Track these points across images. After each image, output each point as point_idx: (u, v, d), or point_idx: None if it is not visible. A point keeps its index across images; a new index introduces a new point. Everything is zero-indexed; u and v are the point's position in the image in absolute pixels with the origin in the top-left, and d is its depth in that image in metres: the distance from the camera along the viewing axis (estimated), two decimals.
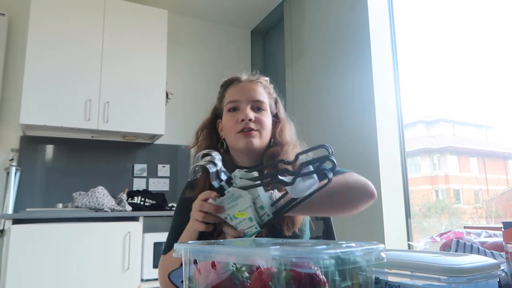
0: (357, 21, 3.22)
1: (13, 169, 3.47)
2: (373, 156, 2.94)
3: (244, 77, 1.47)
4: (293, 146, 1.42)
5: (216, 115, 1.49)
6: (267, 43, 5.11)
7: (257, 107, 1.40)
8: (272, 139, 1.44)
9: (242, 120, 1.35)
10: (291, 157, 1.32)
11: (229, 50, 4.88)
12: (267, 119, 1.40)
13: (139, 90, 3.75)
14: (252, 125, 1.35)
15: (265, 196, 0.95)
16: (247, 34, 5.08)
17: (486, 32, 2.69)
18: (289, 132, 1.48)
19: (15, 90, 3.59)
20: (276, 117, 1.48)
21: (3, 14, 3.68)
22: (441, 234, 1.16)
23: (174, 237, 1.33)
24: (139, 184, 4.08)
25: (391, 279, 0.70)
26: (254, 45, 5.07)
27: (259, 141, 1.37)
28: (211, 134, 1.47)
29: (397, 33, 3.18)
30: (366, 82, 3.06)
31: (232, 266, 0.60)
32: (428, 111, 3.21)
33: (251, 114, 1.36)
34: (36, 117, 3.35)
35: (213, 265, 0.61)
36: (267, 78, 1.54)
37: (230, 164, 1.40)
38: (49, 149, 3.82)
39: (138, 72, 3.79)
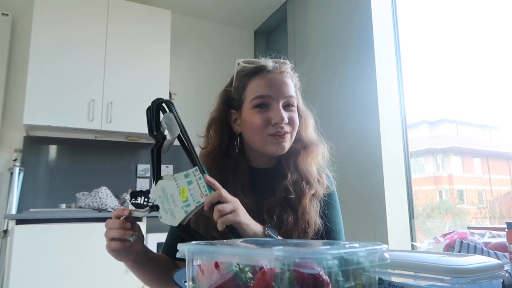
0: (361, 21, 3.22)
1: (17, 170, 3.48)
2: (376, 156, 2.94)
3: (270, 65, 1.27)
4: (315, 145, 1.31)
5: (230, 105, 1.31)
6: (271, 43, 5.11)
7: (288, 103, 1.24)
8: (296, 134, 1.29)
9: (276, 123, 1.19)
10: (312, 157, 1.28)
11: (233, 50, 4.88)
12: (297, 118, 1.27)
13: (142, 91, 3.76)
14: (286, 128, 1.21)
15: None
16: (251, 34, 5.08)
17: (490, 32, 2.69)
18: (311, 127, 1.36)
19: (18, 90, 3.60)
20: (299, 109, 1.32)
21: (7, 15, 3.69)
22: (445, 235, 1.16)
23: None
24: (142, 185, 4.08)
25: (394, 279, 0.70)
26: (257, 45, 5.07)
27: (290, 144, 1.25)
28: (222, 129, 1.30)
29: (401, 33, 3.18)
30: (370, 82, 3.06)
31: (235, 266, 0.60)
32: (432, 111, 3.20)
33: (286, 116, 1.20)
34: (39, 117, 3.36)
35: (216, 265, 0.61)
36: (291, 65, 1.35)
37: (243, 164, 1.28)
38: (53, 149, 3.83)
39: (142, 73, 3.80)
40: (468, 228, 1.25)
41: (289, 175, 1.24)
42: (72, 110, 3.47)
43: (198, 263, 0.63)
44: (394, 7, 3.21)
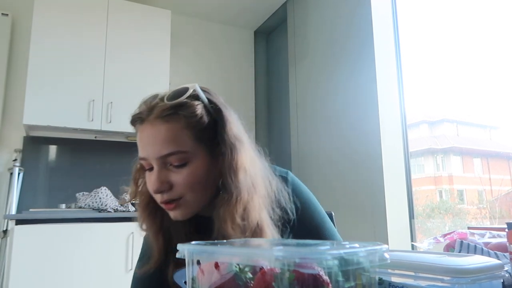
0: (361, 21, 3.22)
1: (16, 170, 3.48)
2: (376, 156, 2.94)
3: (146, 111, 1.04)
4: (242, 197, 0.97)
5: None
6: (271, 43, 5.11)
7: (172, 162, 0.98)
8: (221, 180, 1.00)
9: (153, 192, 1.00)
10: (239, 207, 0.96)
11: (233, 50, 4.88)
12: (192, 174, 0.98)
13: (142, 91, 3.71)
14: (171, 195, 0.98)
15: None
16: (251, 34, 5.08)
17: (491, 32, 2.69)
18: (237, 166, 0.99)
19: (18, 90, 3.60)
20: (217, 147, 1.00)
21: (6, 15, 3.69)
22: (445, 235, 1.16)
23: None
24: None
25: (394, 279, 0.70)
26: (257, 45, 5.08)
27: (190, 208, 1.01)
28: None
29: (401, 33, 3.18)
30: (370, 82, 3.06)
31: (236, 266, 0.60)
32: (432, 111, 3.20)
33: (160, 185, 0.97)
34: (39, 117, 3.35)
35: (216, 265, 0.61)
36: (191, 89, 1.07)
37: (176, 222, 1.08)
38: (52, 149, 3.83)
39: (142, 73, 3.80)
40: (468, 228, 1.25)
41: (215, 232, 0.99)
42: (72, 110, 3.47)
43: (198, 263, 0.63)
44: (394, 7, 3.21)
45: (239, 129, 1.06)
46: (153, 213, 1.06)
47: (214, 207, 0.99)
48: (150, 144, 1.00)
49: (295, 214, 1.08)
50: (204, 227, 1.03)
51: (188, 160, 0.98)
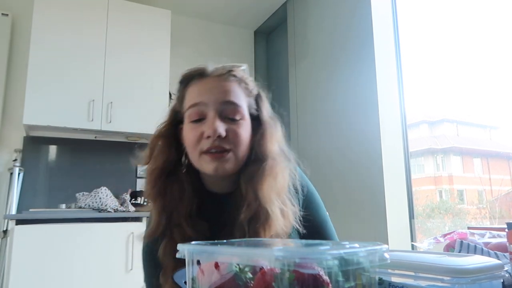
0: (361, 21, 3.22)
1: (17, 170, 3.48)
2: (376, 156, 2.94)
3: (210, 68, 1.11)
4: (275, 161, 1.05)
5: (177, 120, 1.11)
6: (271, 43, 5.11)
7: (230, 113, 1.02)
8: (253, 151, 1.06)
9: (209, 137, 0.99)
10: (272, 177, 1.02)
11: (233, 50, 4.88)
12: (244, 131, 1.04)
13: (142, 91, 3.76)
14: (224, 144, 1.00)
15: None
16: (251, 34, 5.08)
17: (491, 32, 2.69)
18: (277, 141, 1.09)
19: (18, 90, 3.60)
20: (257, 120, 1.09)
21: (6, 15, 3.69)
22: (445, 235, 1.16)
23: None
24: (142, 185, 4.08)
25: (394, 279, 0.70)
26: (257, 46, 5.08)
27: (234, 164, 1.02)
28: (169, 145, 1.08)
29: (401, 33, 3.18)
30: (370, 82, 3.06)
31: (235, 266, 0.60)
32: (432, 111, 3.20)
33: (221, 128, 0.99)
34: (39, 117, 3.35)
35: (216, 265, 0.61)
36: (244, 67, 1.17)
37: (200, 189, 1.09)
38: (52, 149, 3.83)
39: (142, 73, 3.80)
40: (468, 228, 1.25)
41: (244, 207, 1.01)
42: (72, 110, 3.47)
43: (198, 263, 0.63)
44: (394, 7, 3.21)
45: (273, 113, 1.15)
46: (162, 188, 1.06)
47: (241, 178, 1.04)
48: (215, 89, 1.04)
49: (302, 206, 1.11)
50: (210, 207, 1.07)
51: (241, 117, 1.03)
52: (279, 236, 1.00)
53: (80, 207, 3.30)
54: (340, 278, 0.53)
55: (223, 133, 0.99)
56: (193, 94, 1.06)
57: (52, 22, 3.51)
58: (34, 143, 3.73)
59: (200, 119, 1.02)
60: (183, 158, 1.10)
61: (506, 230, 0.91)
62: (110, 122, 3.58)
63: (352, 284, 0.55)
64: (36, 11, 3.46)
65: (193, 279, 0.64)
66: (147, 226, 1.11)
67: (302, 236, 1.07)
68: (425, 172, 3.14)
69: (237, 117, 1.03)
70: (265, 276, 0.55)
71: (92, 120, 3.53)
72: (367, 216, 2.99)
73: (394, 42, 3.18)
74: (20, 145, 3.67)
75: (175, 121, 1.11)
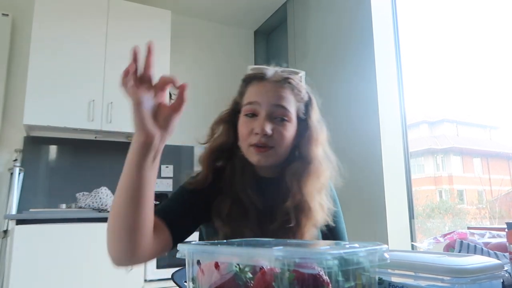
0: (361, 21, 3.22)
1: (17, 170, 3.47)
2: (376, 156, 2.94)
3: (270, 73, 1.25)
4: (320, 164, 1.23)
5: (237, 109, 1.27)
6: (271, 44, 5.11)
7: (279, 115, 1.19)
8: (298, 150, 1.26)
9: (257, 133, 1.16)
10: (316, 177, 1.21)
11: (233, 50, 4.88)
12: (288, 132, 1.20)
13: None
14: (268, 141, 1.16)
15: None
16: (251, 34, 5.08)
17: (491, 32, 2.69)
18: (321, 144, 1.27)
19: (18, 90, 3.60)
20: (305, 123, 1.26)
21: (7, 15, 3.69)
22: (445, 235, 1.16)
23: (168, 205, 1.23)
24: None
25: (394, 279, 0.70)
26: (257, 46, 5.07)
27: (274, 159, 1.20)
28: (228, 130, 1.27)
29: (401, 33, 3.18)
30: (370, 82, 3.06)
31: (236, 266, 0.60)
32: (432, 112, 3.21)
33: (268, 128, 1.16)
34: (39, 117, 3.35)
35: (217, 265, 0.61)
36: (301, 74, 1.33)
37: (251, 172, 1.25)
38: (53, 149, 3.83)
39: None
40: (468, 228, 1.25)
41: (290, 197, 1.20)
42: (72, 110, 3.47)
43: (198, 263, 0.63)
44: (394, 7, 3.21)
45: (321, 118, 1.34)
46: (213, 158, 1.27)
47: (283, 170, 1.24)
48: (269, 93, 1.20)
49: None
50: (262, 187, 1.24)
51: (288, 119, 1.20)
52: (317, 225, 1.21)
53: (80, 207, 3.30)
54: (340, 278, 0.53)
55: (270, 132, 1.16)
56: (251, 93, 1.23)
57: (52, 22, 3.51)
58: (34, 143, 3.73)
59: (253, 114, 1.20)
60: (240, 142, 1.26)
61: (506, 230, 0.92)
62: (110, 122, 3.58)
63: (352, 284, 0.55)
64: (36, 11, 3.46)
65: (193, 279, 0.64)
66: (193, 177, 1.27)
67: (329, 229, 1.28)
68: (425, 172, 3.14)
69: (284, 119, 1.20)
70: (265, 276, 0.55)
71: (92, 120, 3.53)
72: (367, 216, 2.99)
73: (394, 42, 3.18)
74: (20, 145, 3.67)
75: (234, 110, 1.28)
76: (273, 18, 4.74)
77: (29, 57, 3.38)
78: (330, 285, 0.52)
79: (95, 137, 3.97)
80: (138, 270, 3.12)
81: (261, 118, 1.17)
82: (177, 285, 1.42)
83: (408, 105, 3.08)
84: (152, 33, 3.92)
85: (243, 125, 1.21)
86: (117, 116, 3.60)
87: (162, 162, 4.21)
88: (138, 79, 0.90)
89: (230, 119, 1.28)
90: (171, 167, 4.21)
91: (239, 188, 1.21)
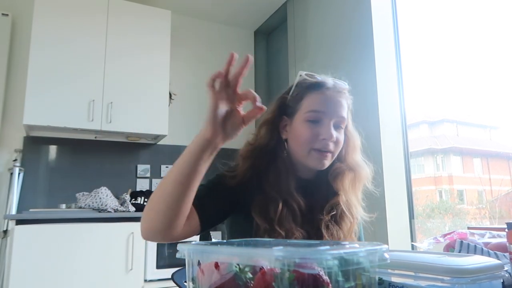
0: (361, 21, 3.22)
1: (17, 170, 3.47)
2: (376, 156, 2.94)
3: (330, 83, 1.31)
4: (361, 169, 1.37)
5: (284, 111, 1.34)
6: (271, 44, 5.11)
7: (339, 124, 1.29)
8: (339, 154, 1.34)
9: (324, 139, 1.24)
10: (357, 181, 1.35)
11: (233, 50, 4.81)
12: (342, 138, 1.31)
13: (142, 91, 3.76)
14: (331, 146, 1.25)
15: None
16: (251, 34, 5.08)
17: (491, 32, 2.69)
18: (358, 150, 1.39)
19: (18, 90, 3.60)
20: (347, 129, 1.37)
21: (7, 15, 3.69)
22: (445, 235, 1.16)
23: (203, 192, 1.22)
24: (142, 185, 4.08)
25: (394, 279, 0.70)
26: (257, 46, 5.07)
27: (329, 162, 1.29)
28: (272, 132, 1.33)
29: (401, 33, 3.18)
30: (370, 82, 3.06)
31: (236, 266, 0.60)
32: (432, 112, 3.20)
33: (335, 135, 1.25)
34: (39, 117, 3.35)
35: (216, 265, 0.61)
36: (349, 87, 1.42)
37: (290, 172, 1.30)
38: (53, 149, 3.83)
39: (142, 73, 3.80)
40: (468, 228, 1.25)
41: (333, 197, 1.31)
42: (72, 110, 3.47)
43: (198, 263, 0.63)
44: (394, 7, 3.21)
45: None
46: (254, 156, 1.31)
47: (320, 172, 1.32)
48: (336, 105, 1.28)
49: None
50: (302, 188, 1.31)
51: (344, 127, 1.31)
52: (355, 222, 1.34)
53: (80, 207, 3.30)
54: (340, 278, 0.53)
55: (335, 139, 1.25)
56: (315, 101, 1.28)
57: (52, 22, 3.51)
58: (34, 143, 3.73)
59: (316, 123, 1.26)
60: (286, 145, 1.34)
61: (506, 230, 0.91)
62: (110, 122, 3.58)
63: (352, 284, 0.55)
64: (36, 11, 3.46)
65: (193, 279, 0.64)
66: (232, 168, 1.32)
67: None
68: (425, 172, 3.14)
69: (341, 127, 1.30)
70: (265, 276, 0.55)
71: (92, 120, 3.53)
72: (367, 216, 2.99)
73: (394, 42, 3.18)
74: (20, 145, 3.67)
75: (280, 112, 1.34)
76: (273, 18, 4.74)
77: (29, 57, 3.38)
78: (330, 285, 0.52)
79: (95, 137, 3.97)
80: (138, 270, 3.12)
81: (328, 125, 1.25)
82: (177, 285, 1.42)
83: (408, 105, 3.08)
84: (152, 33, 3.93)
85: (306, 130, 1.26)
86: (117, 116, 3.60)
87: (162, 162, 4.22)
88: (225, 83, 0.98)
89: (275, 120, 1.34)
90: (171, 167, 4.20)
91: (285, 190, 1.26)
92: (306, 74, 1.33)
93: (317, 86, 1.30)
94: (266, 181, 1.28)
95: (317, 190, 1.33)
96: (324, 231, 1.26)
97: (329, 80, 1.32)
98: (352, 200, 1.33)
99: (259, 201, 1.25)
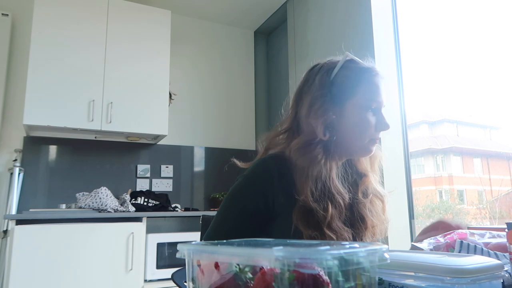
0: (361, 21, 3.22)
1: (17, 170, 3.48)
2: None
3: (379, 69, 1.24)
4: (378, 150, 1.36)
5: (331, 91, 1.21)
6: (271, 44, 5.11)
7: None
8: None
9: (381, 130, 1.21)
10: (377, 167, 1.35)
11: (233, 50, 4.88)
12: None
13: (142, 91, 3.76)
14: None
15: None
16: (251, 34, 5.08)
17: (491, 32, 2.69)
18: None
19: (18, 90, 3.61)
20: None
21: (7, 15, 3.69)
22: (445, 235, 1.16)
23: (238, 222, 1.15)
24: (142, 185, 4.08)
25: (394, 279, 0.70)
26: (257, 46, 5.07)
27: None
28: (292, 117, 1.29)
29: (401, 33, 3.18)
30: None
31: (235, 266, 0.59)
32: (432, 112, 3.20)
33: None
34: (39, 117, 3.35)
35: (216, 265, 0.61)
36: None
37: (334, 163, 1.20)
38: (53, 149, 3.83)
39: (142, 73, 3.80)
40: (468, 228, 1.25)
41: (366, 177, 1.30)
42: (72, 110, 3.47)
43: (198, 263, 0.63)
44: (394, 7, 3.21)
45: None
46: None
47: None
48: (383, 92, 1.22)
49: None
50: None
51: None
52: (386, 200, 1.35)
53: (80, 207, 3.30)
54: (340, 278, 0.53)
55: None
56: (372, 87, 1.20)
57: (52, 22, 3.51)
58: (34, 143, 3.73)
59: (375, 111, 1.21)
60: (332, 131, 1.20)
61: (506, 230, 0.91)
62: (110, 122, 3.58)
63: (352, 284, 0.55)
64: (36, 11, 3.46)
65: (193, 279, 0.64)
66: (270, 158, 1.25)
67: None
68: (425, 172, 3.14)
69: None
70: (265, 276, 0.55)
71: (92, 120, 3.53)
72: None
73: (394, 42, 3.18)
74: (20, 145, 3.67)
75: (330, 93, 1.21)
76: (273, 18, 4.74)
77: (29, 57, 3.38)
78: (330, 285, 0.52)
79: (95, 137, 3.97)
80: (138, 270, 3.12)
81: (384, 116, 1.21)
82: (177, 285, 1.42)
83: (408, 105, 3.08)
84: (152, 33, 3.93)
85: (369, 119, 1.19)
86: (117, 116, 3.60)
87: (162, 162, 4.22)
88: None
89: (295, 105, 1.31)
90: (171, 167, 4.21)
91: (336, 189, 1.18)
92: (353, 58, 1.25)
93: (369, 71, 1.22)
94: (307, 178, 1.13)
95: (347, 176, 1.24)
96: (367, 213, 1.24)
97: (370, 62, 1.26)
98: (376, 178, 1.32)
99: (301, 207, 1.12)
